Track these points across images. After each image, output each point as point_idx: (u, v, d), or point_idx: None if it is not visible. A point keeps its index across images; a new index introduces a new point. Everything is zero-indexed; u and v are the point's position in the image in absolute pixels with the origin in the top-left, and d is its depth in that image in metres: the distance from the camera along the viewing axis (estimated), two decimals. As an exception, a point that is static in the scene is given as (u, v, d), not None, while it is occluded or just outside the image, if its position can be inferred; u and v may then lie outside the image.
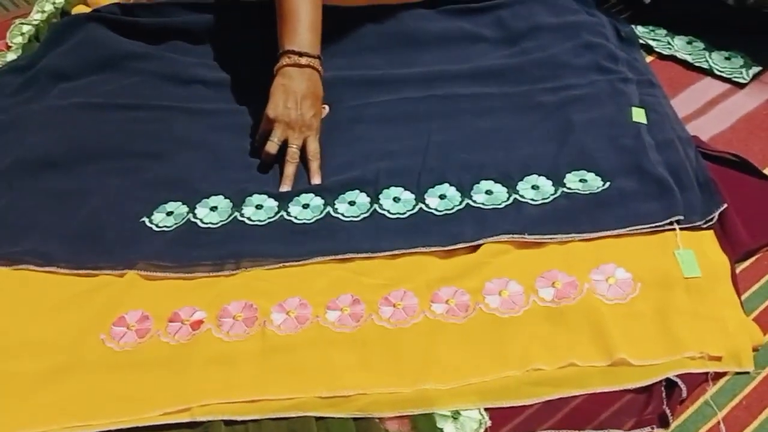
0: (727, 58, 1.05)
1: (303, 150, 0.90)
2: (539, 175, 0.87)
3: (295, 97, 0.90)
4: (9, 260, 0.82)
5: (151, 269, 0.80)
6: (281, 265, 0.80)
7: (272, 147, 0.90)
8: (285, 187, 0.88)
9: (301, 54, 0.91)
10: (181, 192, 0.88)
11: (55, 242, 0.83)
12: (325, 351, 0.72)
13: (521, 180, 0.87)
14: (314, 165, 0.90)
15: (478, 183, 0.87)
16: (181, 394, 0.69)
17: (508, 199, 0.85)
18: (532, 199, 0.85)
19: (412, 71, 1.03)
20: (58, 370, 0.71)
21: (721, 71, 1.04)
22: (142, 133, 0.97)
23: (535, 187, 0.86)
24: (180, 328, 0.75)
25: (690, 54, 1.07)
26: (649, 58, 1.07)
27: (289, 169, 0.89)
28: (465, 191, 0.86)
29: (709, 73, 1.05)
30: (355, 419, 0.67)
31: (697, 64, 1.05)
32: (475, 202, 0.85)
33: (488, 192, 0.86)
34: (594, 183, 0.86)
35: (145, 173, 0.91)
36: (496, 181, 0.87)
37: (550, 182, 0.86)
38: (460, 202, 0.85)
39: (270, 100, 0.90)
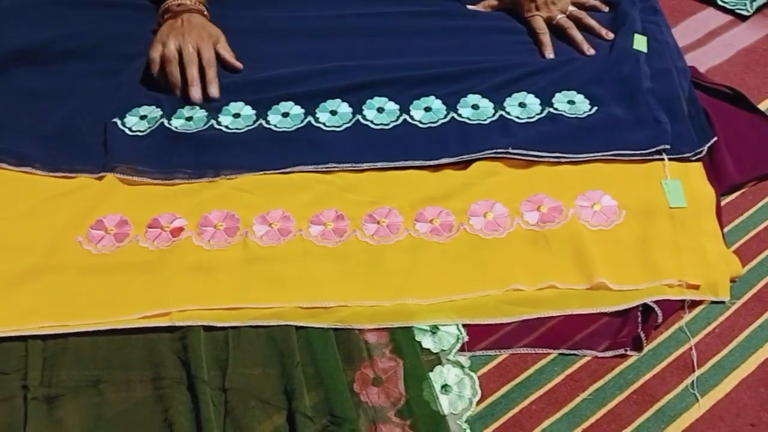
0: (733, -12, 1.03)
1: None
2: (528, 92, 0.86)
3: (181, 24, 0.88)
4: (-18, 158, 0.79)
5: (130, 173, 0.78)
6: (263, 173, 0.79)
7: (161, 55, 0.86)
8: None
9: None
10: (157, 96, 0.85)
11: (31, 142, 0.81)
12: (306, 263, 0.72)
13: (509, 96, 0.85)
14: (210, 73, 0.86)
15: (466, 96, 0.85)
16: (161, 299, 0.68)
17: (493, 115, 0.84)
18: (518, 117, 0.83)
19: None
20: (34, 271, 0.70)
21: (724, 2, 1.01)
22: (121, 32, 0.93)
23: (522, 105, 0.85)
24: (159, 234, 0.74)
25: (695, -18, 1.04)
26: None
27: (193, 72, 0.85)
28: (451, 104, 0.85)
29: (712, 3, 1.02)
30: (334, 330, 0.67)
31: (700, -7, 1.03)
32: (460, 116, 0.84)
33: (475, 106, 0.85)
34: (581, 106, 0.84)
35: (121, 75, 0.88)
36: (483, 96, 0.85)
37: (537, 101, 0.85)
38: (445, 116, 0.84)
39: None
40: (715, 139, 0.82)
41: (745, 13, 1.00)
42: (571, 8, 0.95)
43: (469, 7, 1.00)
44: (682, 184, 0.78)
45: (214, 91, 0.85)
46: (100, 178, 0.78)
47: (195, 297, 0.69)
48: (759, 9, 1.00)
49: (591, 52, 0.91)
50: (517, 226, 0.75)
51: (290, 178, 0.79)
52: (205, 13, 0.91)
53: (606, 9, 0.98)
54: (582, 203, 0.76)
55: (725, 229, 0.76)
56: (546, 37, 0.92)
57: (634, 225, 0.75)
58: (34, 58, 0.89)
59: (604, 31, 0.93)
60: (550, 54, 0.91)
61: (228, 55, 0.89)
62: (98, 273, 0.71)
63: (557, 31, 0.94)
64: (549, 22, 0.94)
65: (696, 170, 0.80)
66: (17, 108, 0.85)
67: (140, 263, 0.71)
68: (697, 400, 0.64)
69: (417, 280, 0.70)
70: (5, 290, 0.69)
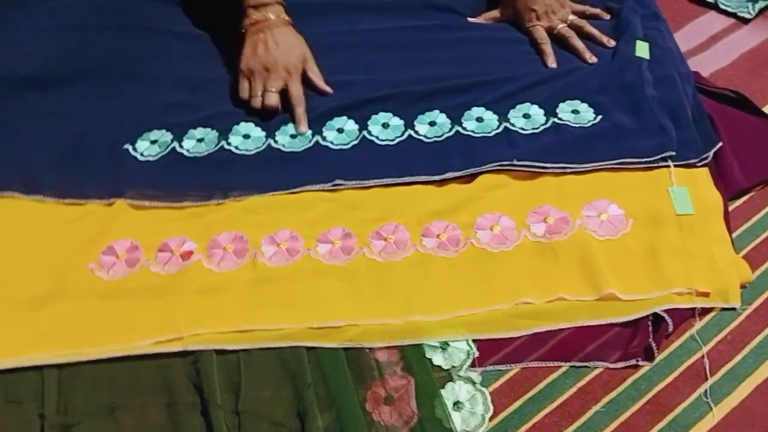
0: (734, -8, 1.03)
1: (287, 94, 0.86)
2: (532, 103, 0.86)
3: (265, 45, 0.85)
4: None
5: (140, 198, 0.79)
6: (271, 194, 0.79)
7: (257, 101, 0.85)
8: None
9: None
10: (166, 120, 0.86)
11: (39, 167, 0.81)
12: (315, 283, 0.72)
13: (513, 107, 0.86)
14: (299, 111, 0.86)
15: (470, 109, 0.86)
16: (172, 323, 0.69)
17: (498, 127, 0.84)
18: (522, 128, 0.84)
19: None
20: (46, 298, 0.71)
21: (726, 5, 1.01)
22: (127, 56, 0.93)
23: (526, 116, 0.85)
24: (170, 258, 0.74)
25: (696, -15, 1.04)
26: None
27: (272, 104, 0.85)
28: (455, 118, 0.85)
29: (713, 6, 1.02)
30: (345, 349, 0.67)
31: (702, -3, 1.03)
32: (465, 129, 0.84)
33: (479, 119, 0.85)
34: (586, 115, 0.85)
35: (129, 98, 0.88)
36: (487, 108, 0.86)
37: (542, 111, 0.85)
38: (450, 129, 0.84)
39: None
40: (720, 144, 0.82)
41: (747, 16, 1.00)
42: (572, 17, 0.96)
43: (470, 19, 1.00)
44: (688, 190, 0.78)
45: (302, 128, 0.84)
46: (110, 204, 0.79)
47: (205, 319, 0.69)
48: (761, 12, 1.00)
49: (593, 60, 0.91)
50: (524, 239, 0.75)
51: (296, 197, 0.79)
52: (291, 22, 0.89)
53: (607, 17, 0.99)
54: (588, 213, 0.76)
55: (734, 235, 0.76)
56: (548, 47, 0.93)
57: (641, 233, 0.75)
58: (37, 83, 0.89)
59: (605, 39, 0.94)
60: (552, 63, 0.91)
61: (317, 79, 0.87)
62: (110, 299, 0.71)
63: (559, 41, 0.94)
64: (550, 32, 0.94)
65: (702, 176, 0.80)
66: (24, 134, 0.85)
67: (151, 288, 0.72)
68: (711, 408, 0.64)
69: (425, 296, 0.71)
70: (18, 316, 0.70)
